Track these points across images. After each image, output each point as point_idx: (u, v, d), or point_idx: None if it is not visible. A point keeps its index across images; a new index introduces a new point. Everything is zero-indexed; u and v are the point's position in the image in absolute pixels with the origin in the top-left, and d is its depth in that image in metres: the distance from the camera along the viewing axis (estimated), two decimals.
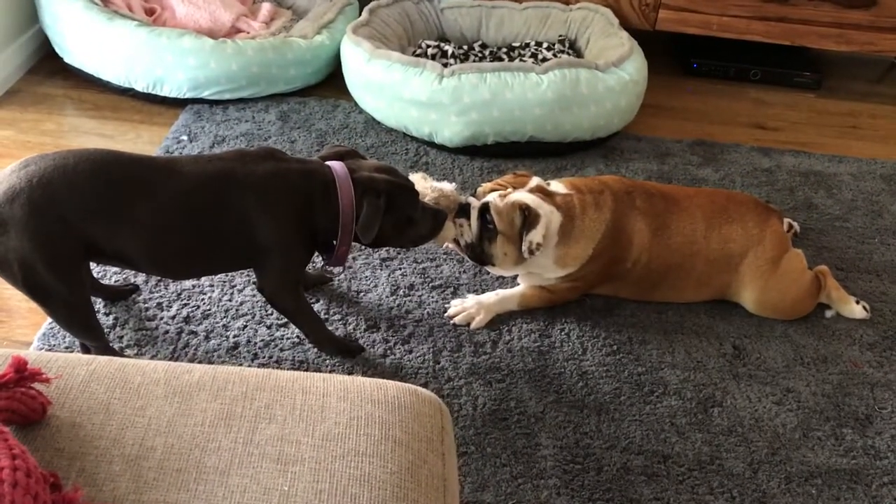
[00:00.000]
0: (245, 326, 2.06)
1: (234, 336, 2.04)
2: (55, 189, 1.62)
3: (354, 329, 2.09)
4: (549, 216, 2.06)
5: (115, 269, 2.18)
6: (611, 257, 2.14)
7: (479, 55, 3.20)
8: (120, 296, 2.10)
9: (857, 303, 2.30)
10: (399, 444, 1.04)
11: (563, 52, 3.20)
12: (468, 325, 2.13)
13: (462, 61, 3.10)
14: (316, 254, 2.02)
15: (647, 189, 2.23)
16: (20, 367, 0.99)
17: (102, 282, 2.13)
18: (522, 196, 2.08)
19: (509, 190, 2.11)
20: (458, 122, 2.74)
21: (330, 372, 1.95)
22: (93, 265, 2.09)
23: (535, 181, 2.16)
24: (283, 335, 2.05)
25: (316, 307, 2.14)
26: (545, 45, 3.25)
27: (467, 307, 2.15)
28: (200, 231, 1.74)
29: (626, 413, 1.94)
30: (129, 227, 1.68)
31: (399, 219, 1.88)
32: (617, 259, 2.16)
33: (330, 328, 2.07)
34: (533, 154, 2.86)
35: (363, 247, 2.34)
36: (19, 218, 1.59)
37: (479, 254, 2.10)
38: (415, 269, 2.30)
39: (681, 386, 2.03)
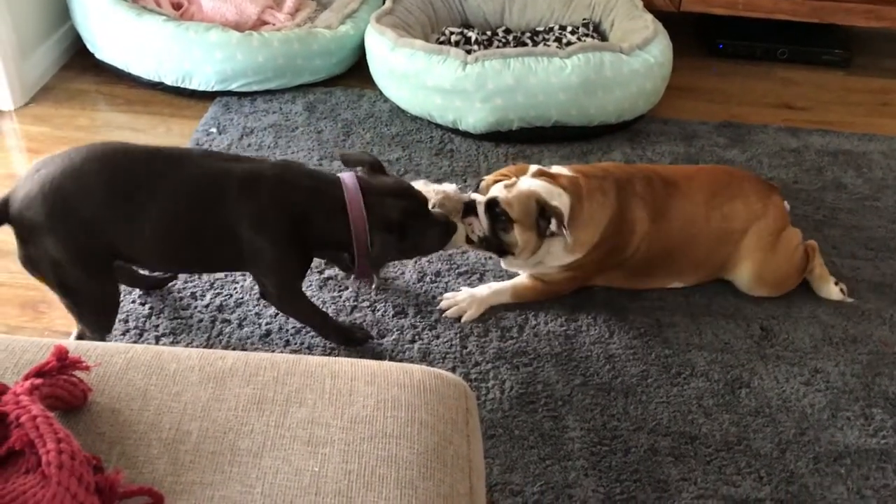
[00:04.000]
0: (277, 314, 2.10)
1: (267, 324, 2.08)
2: (66, 192, 1.66)
3: (383, 315, 2.13)
4: (560, 199, 2.05)
5: None
6: (613, 246, 2.13)
7: (503, 41, 3.21)
8: (158, 284, 2.15)
9: (836, 284, 2.27)
10: (425, 425, 1.07)
11: (587, 35, 3.19)
12: (459, 318, 2.13)
13: (486, 47, 3.11)
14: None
15: (647, 174, 2.21)
16: (62, 355, 1.03)
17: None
18: (530, 183, 2.06)
19: (513, 179, 2.09)
20: (482, 108, 2.75)
21: (359, 358, 1.99)
22: None
23: (536, 167, 2.14)
24: None
25: (345, 294, 2.18)
26: (569, 28, 3.25)
27: (459, 300, 2.15)
28: (195, 228, 1.75)
29: (654, 395, 1.95)
30: (134, 219, 1.71)
31: (411, 241, 1.88)
32: (618, 248, 2.14)
33: (359, 315, 2.11)
34: (558, 139, 2.86)
35: None
36: (40, 223, 1.64)
37: (496, 245, 2.08)
38: (441, 255, 2.33)
39: (708, 367, 2.04)
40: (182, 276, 2.19)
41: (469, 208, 2.07)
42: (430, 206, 1.97)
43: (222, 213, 1.74)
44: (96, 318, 1.83)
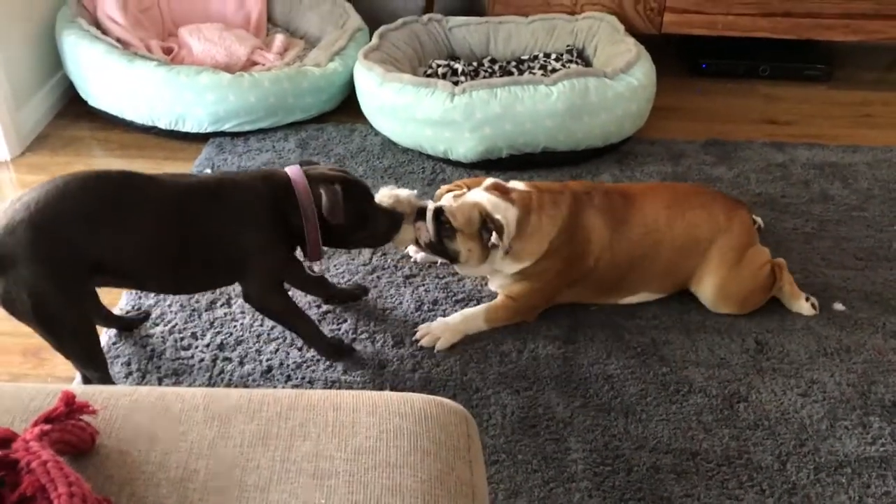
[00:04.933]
0: (277, 350, 2.12)
1: (268, 360, 2.10)
2: (53, 209, 1.70)
3: (383, 346, 2.15)
4: (505, 213, 2.13)
5: (122, 303, 2.26)
6: (570, 255, 2.17)
7: (489, 70, 3.27)
8: (132, 325, 2.18)
9: (807, 300, 2.28)
10: (427, 453, 1.09)
11: (571, 61, 3.25)
12: (433, 347, 2.15)
13: (472, 78, 3.16)
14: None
15: (606, 188, 2.29)
16: (69, 400, 1.06)
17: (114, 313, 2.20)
18: (477, 196, 2.15)
19: (464, 190, 2.21)
20: (471, 137, 2.80)
21: (361, 389, 2.01)
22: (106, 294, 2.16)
23: (491, 180, 2.23)
24: (314, 356, 2.11)
25: (344, 326, 2.20)
26: (553, 56, 3.31)
27: (432, 329, 2.18)
28: (183, 240, 1.84)
29: (653, 413, 1.97)
30: (120, 238, 1.77)
31: (355, 210, 1.98)
32: (577, 257, 2.18)
33: (359, 347, 2.14)
34: (547, 164, 2.91)
35: (384, 265, 2.41)
36: (24, 245, 1.66)
37: (441, 251, 2.18)
38: (437, 284, 2.36)
39: (706, 383, 2.06)
40: (181, 317, 2.22)
41: (420, 214, 2.17)
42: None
43: (202, 221, 1.86)
44: (80, 349, 1.83)
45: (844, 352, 2.16)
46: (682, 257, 2.22)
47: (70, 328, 1.79)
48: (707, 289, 2.24)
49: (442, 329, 2.17)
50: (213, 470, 1.06)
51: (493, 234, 2.09)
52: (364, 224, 2.03)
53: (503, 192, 2.18)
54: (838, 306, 2.31)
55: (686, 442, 1.90)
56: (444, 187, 2.31)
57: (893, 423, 1.95)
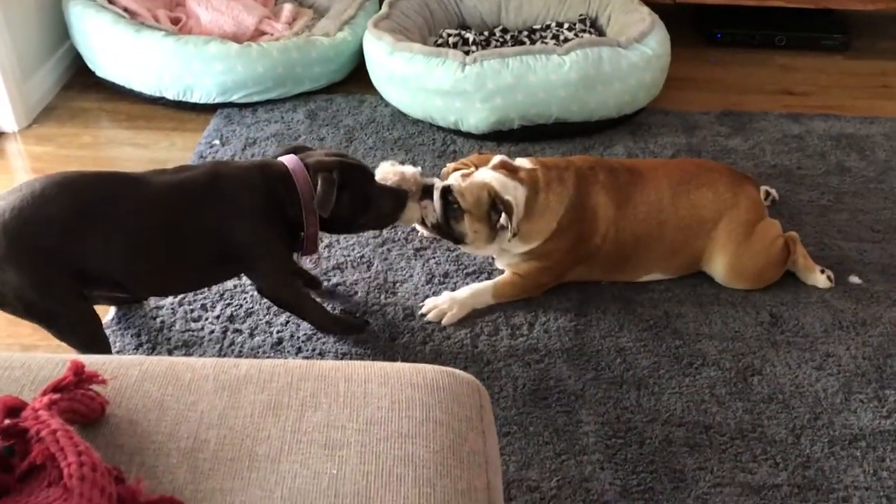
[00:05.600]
0: (287, 322, 2.11)
1: (278, 332, 2.09)
2: (26, 217, 1.65)
3: (393, 318, 2.14)
4: (514, 192, 2.09)
5: None
6: (577, 233, 2.14)
7: (501, 40, 3.22)
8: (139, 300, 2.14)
9: (822, 272, 2.25)
10: (440, 424, 1.08)
11: (584, 31, 3.20)
12: (440, 321, 2.13)
13: (484, 48, 3.12)
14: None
15: (611, 164, 2.24)
16: (78, 370, 1.05)
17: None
18: (486, 175, 2.10)
19: (472, 169, 2.15)
20: (482, 108, 2.76)
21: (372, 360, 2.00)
22: None
23: (499, 158, 2.18)
24: None
25: (355, 299, 2.19)
26: (566, 25, 3.25)
27: (439, 303, 2.15)
28: (174, 241, 1.79)
29: (666, 386, 1.96)
30: (104, 243, 1.72)
31: (356, 196, 1.93)
32: (584, 235, 2.15)
33: (372, 320, 2.12)
34: (560, 135, 2.87)
35: (395, 237, 2.39)
36: (2, 254, 1.63)
37: (447, 232, 2.13)
38: (448, 256, 2.34)
39: (719, 357, 2.04)
40: None
41: (426, 192, 2.11)
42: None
43: (198, 218, 1.80)
44: (79, 340, 1.80)
45: (860, 325, 2.14)
46: (689, 238, 2.19)
47: (65, 322, 1.77)
48: (718, 267, 2.21)
49: (450, 303, 2.15)
50: (224, 440, 1.05)
51: (503, 215, 2.05)
52: (366, 208, 1.97)
53: (511, 171, 2.14)
54: (854, 279, 2.28)
55: (699, 415, 1.88)
56: (450, 165, 2.27)
57: None
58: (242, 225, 1.84)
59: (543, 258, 2.16)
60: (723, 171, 2.28)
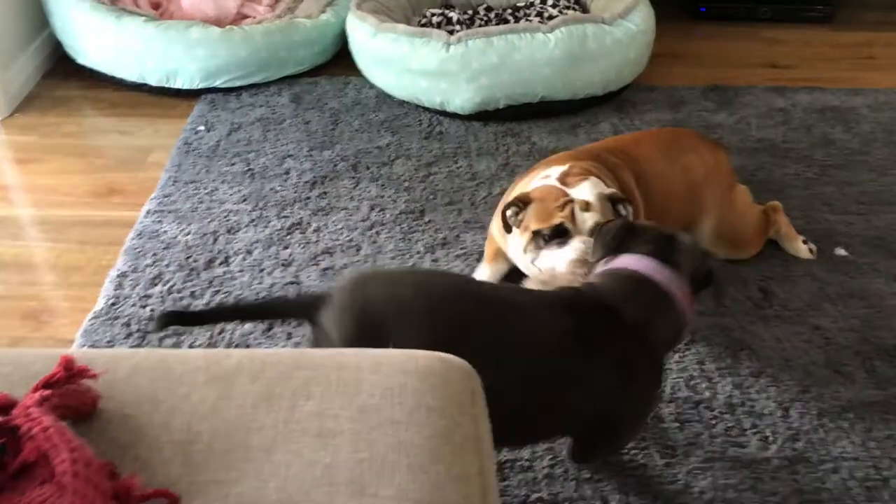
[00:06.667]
0: None
1: None
2: (385, 325, 1.41)
3: None
4: (610, 187, 1.95)
5: (119, 264, 2.24)
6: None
7: (485, 18, 3.20)
8: None
9: (805, 242, 2.27)
10: (432, 410, 1.08)
11: (568, 7, 3.19)
12: None
13: (468, 26, 3.10)
14: None
15: (606, 148, 2.18)
16: (69, 365, 1.04)
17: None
18: (590, 187, 1.90)
19: (567, 191, 1.90)
20: (468, 88, 2.75)
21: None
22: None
23: (558, 171, 1.96)
24: None
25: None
26: (550, 2, 3.24)
27: None
28: (539, 386, 1.45)
29: None
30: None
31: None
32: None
33: None
34: (546, 114, 2.87)
35: (383, 220, 2.39)
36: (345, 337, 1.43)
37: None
38: (436, 239, 2.34)
39: (708, 332, 2.05)
40: (180, 277, 2.20)
41: (561, 231, 1.87)
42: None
43: (573, 363, 1.46)
44: None
45: (848, 297, 2.15)
46: (686, 204, 2.19)
47: None
48: (706, 231, 2.20)
49: None
50: (217, 432, 1.05)
51: (622, 207, 1.91)
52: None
53: (584, 173, 1.96)
54: (840, 251, 2.30)
55: (689, 391, 1.90)
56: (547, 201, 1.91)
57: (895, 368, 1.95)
58: (627, 373, 1.49)
59: None
60: (697, 135, 2.29)
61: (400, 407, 1.08)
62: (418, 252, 2.30)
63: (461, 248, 2.32)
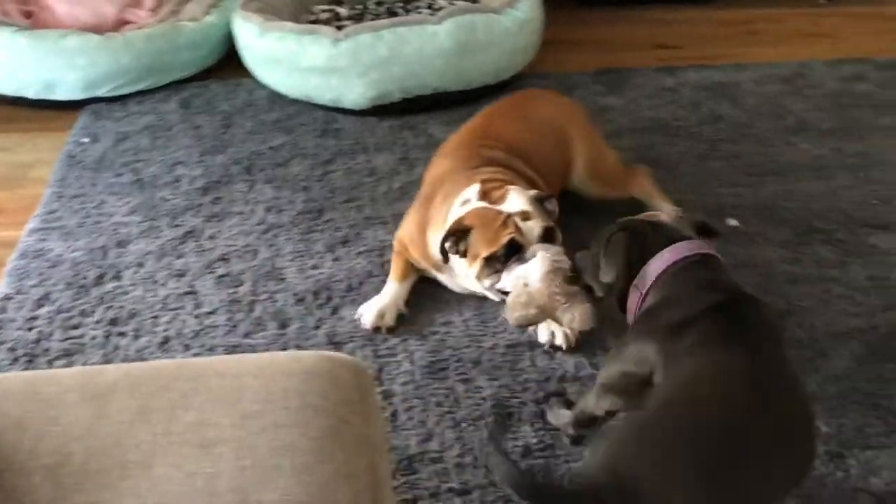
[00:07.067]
0: (173, 319, 2.05)
1: (164, 330, 2.02)
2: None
3: (283, 305, 2.09)
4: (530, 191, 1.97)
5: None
6: None
7: (376, 13, 3.18)
8: None
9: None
10: (318, 410, 1.06)
11: None
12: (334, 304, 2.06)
13: (358, 21, 3.07)
14: None
15: (474, 138, 2.19)
16: None
17: None
18: (520, 197, 1.91)
19: (507, 210, 1.89)
20: (360, 83, 2.73)
21: (265, 351, 1.96)
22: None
23: (475, 188, 1.95)
24: (213, 322, 2.04)
25: (241, 290, 2.13)
26: None
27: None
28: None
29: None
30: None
31: None
32: None
33: (259, 308, 2.07)
34: (441, 106, 2.86)
35: (280, 223, 2.35)
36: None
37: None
38: (335, 237, 2.31)
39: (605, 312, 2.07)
40: (68, 295, 2.11)
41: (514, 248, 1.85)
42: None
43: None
44: None
45: (740, 266, 2.20)
46: (560, 152, 2.25)
47: None
48: (580, 170, 2.27)
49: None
50: (92, 451, 1.00)
51: (548, 203, 1.94)
52: None
53: (500, 184, 1.97)
54: (732, 222, 2.36)
55: (592, 369, 1.91)
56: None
57: (787, 330, 2.01)
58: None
59: None
60: (539, 90, 2.47)
61: (284, 410, 1.05)
62: (318, 252, 2.26)
63: (363, 245, 2.29)
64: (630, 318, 1.57)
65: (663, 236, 1.55)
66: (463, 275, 1.99)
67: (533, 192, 1.95)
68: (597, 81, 3.04)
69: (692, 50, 3.29)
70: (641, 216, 1.64)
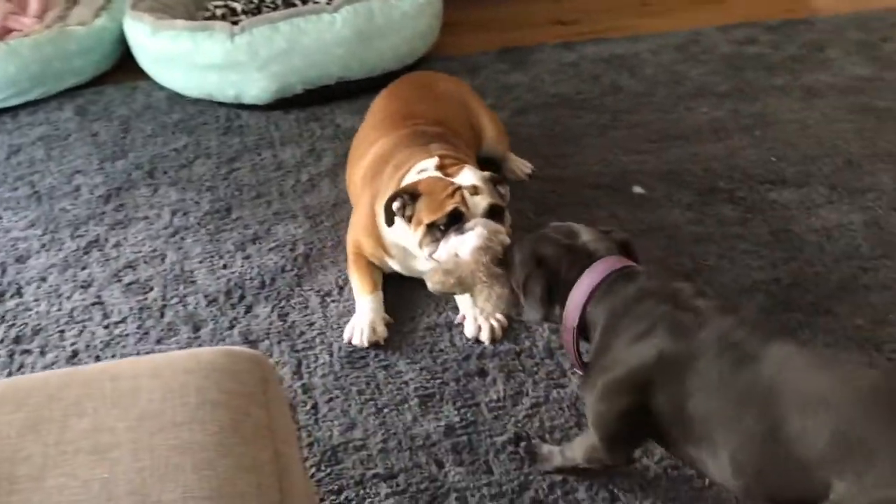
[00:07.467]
0: (81, 332, 1.99)
1: (72, 344, 1.96)
2: None
3: (196, 307, 2.05)
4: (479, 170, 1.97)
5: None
6: None
7: (273, 5, 3.12)
8: None
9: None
10: (216, 405, 1.04)
11: None
12: (248, 302, 2.05)
13: (254, 15, 3.01)
14: None
15: (402, 118, 2.21)
16: None
17: None
18: (472, 174, 1.90)
19: (460, 184, 1.87)
20: (261, 77, 2.68)
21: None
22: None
23: (432, 163, 1.95)
24: (123, 331, 1.99)
25: (151, 295, 2.08)
26: None
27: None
28: None
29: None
30: None
31: None
32: None
33: (170, 312, 2.03)
34: (347, 95, 2.84)
35: (187, 225, 2.30)
36: None
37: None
38: (245, 235, 2.27)
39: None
40: None
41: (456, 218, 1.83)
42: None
43: None
44: None
45: (648, 231, 2.26)
46: (469, 122, 2.32)
47: None
48: (490, 135, 2.39)
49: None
50: None
51: (500, 188, 1.95)
52: None
53: (454, 161, 1.97)
54: (637, 189, 2.41)
55: (511, 343, 1.93)
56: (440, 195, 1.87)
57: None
58: None
59: None
60: (427, 72, 2.57)
61: (182, 408, 1.03)
62: (229, 252, 2.22)
63: (274, 241, 2.26)
64: (569, 349, 1.53)
65: (578, 263, 1.50)
66: (408, 244, 1.95)
67: (488, 173, 1.95)
68: (500, 60, 3.06)
69: (589, 24, 3.34)
70: (558, 227, 1.58)
